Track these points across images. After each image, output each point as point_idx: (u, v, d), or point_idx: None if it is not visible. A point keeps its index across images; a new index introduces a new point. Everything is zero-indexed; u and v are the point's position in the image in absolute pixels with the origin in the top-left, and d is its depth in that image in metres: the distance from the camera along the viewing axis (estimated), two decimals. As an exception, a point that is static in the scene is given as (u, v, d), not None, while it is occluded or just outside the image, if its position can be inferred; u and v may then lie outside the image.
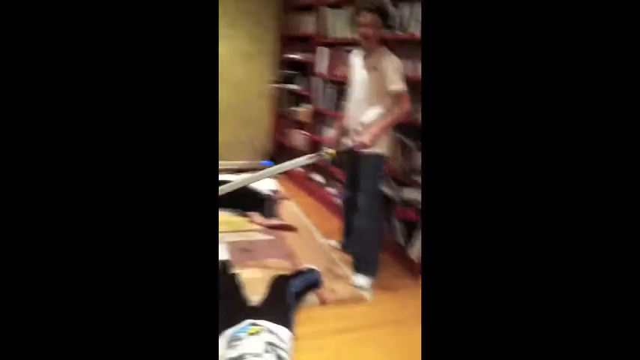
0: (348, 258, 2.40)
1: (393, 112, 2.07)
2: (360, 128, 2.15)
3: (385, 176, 2.67)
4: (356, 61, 2.21)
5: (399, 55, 2.10)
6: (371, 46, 2.08)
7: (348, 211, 2.37)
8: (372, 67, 2.08)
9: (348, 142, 2.27)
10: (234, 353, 1.39)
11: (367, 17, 1.99)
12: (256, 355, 1.38)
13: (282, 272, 2.11)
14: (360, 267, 2.25)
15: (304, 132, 3.75)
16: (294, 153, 4.05)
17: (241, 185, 2.30)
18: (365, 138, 2.05)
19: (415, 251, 2.38)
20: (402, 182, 2.53)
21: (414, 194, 2.37)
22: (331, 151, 2.18)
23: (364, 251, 2.24)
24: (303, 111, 3.76)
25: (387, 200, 2.60)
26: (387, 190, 2.58)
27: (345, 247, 2.49)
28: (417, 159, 2.40)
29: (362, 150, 2.10)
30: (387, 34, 2.10)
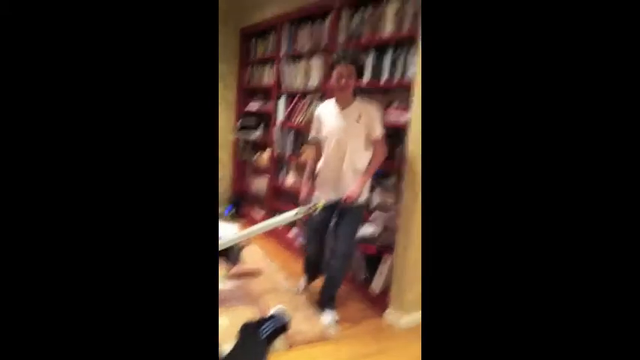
0: (312, 298, 2.43)
1: (375, 158, 2.19)
2: (347, 177, 2.20)
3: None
4: (327, 112, 2.26)
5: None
6: (347, 96, 2.17)
7: (316, 255, 2.43)
8: (355, 118, 2.15)
9: (325, 193, 2.28)
10: None
11: (345, 69, 2.08)
12: None
13: (250, 319, 2.10)
14: (325, 304, 2.31)
15: (266, 175, 3.84)
16: (255, 198, 4.10)
17: (234, 242, 2.31)
18: (354, 191, 2.13)
19: (376, 285, 2.45)
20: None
21: (372, 230, 2.47)
22: (320, 204, 2.19)
23: (332, 292, 2.32)
24: (262, 157, 3.87)
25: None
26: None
27: (309, 282, 2.56)
28: (374, 197, 2.54)
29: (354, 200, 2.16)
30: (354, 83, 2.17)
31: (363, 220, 2.33)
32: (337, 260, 2.25)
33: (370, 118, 2.15)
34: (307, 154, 2.31)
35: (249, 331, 1.92)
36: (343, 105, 2.20)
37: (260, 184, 3.95)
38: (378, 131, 2.16)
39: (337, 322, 2.25)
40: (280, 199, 3.69)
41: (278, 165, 3.65)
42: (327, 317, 2.26)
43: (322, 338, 2.14)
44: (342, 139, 2.19)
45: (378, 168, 2.26)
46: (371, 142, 2.19)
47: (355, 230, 2.28)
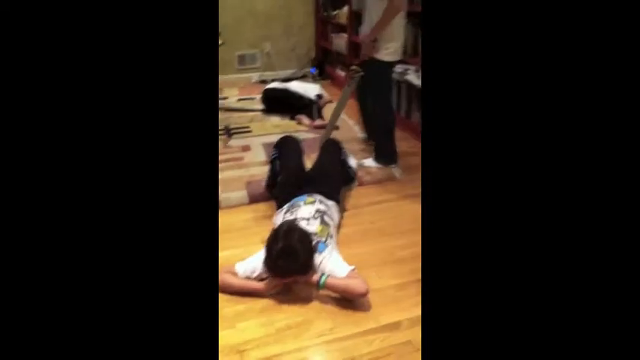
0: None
1: (385, 11, 2.14)
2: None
3: (417, 69, 2.81)
4: None
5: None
6: None
7: (364, 110, 2.67)
8: None
9: None
10: (291, 216, 1.76)
11: None
12: (306, 219, 1.72)
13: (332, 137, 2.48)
14: (377, 155, 2.56)
15: (345, 33, 3.84)
16: (337, 57, 4.19)
17: (332, 126, 2.70)
18: (363, 48, 2.27)
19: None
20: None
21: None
22: (354, 67, 2.38)
23: (379, 142, 2.55)
24: (341, 13, 3.82)
25: (418, 90, 2.77)
26: (417, 81, 2.73)
27: (368, 139, 2.80)
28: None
29: (370, 57, 2.26)
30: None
31: (384, 76, 2.36)
32: (375, 117, 2.47)
33: None
34: None
35: (329, 148, 2.28)
36: None
37: (341, 41, 3.99)
38: None
39: (399, 168, 2.52)
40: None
41: (355, 21, 3.60)
42: (369, 161, 2.54)
43: (389, 179, 2.45)
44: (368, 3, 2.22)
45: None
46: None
47: (382, 87, 2.36)
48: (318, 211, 1.77)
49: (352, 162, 2.49)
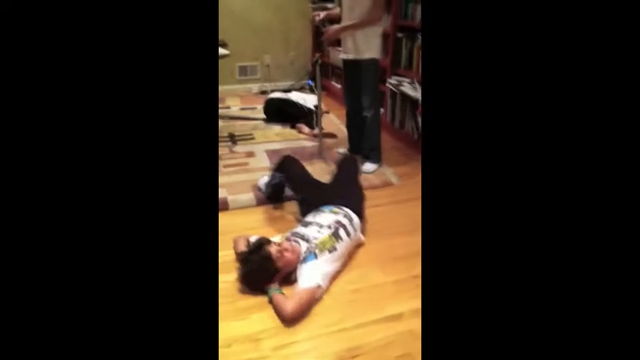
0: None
1: (363, 15, 2.37)
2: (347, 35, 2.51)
3: (411, 81, 2.98)
4: None
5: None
6: None
7: (352, 120, 2.78)
8: None
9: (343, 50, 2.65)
10: (312, 219, 1.82)
11: None
12: (319, 225, 1.76)
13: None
14: (369, 155, 2.71)
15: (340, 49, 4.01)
16: (333, 69, 4.36)
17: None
18: (327, 33, 2.53)
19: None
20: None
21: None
22: (317, 55, 2.78)
23: (372, 142, 2.68)
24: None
25: (412, 101, 2.93)
26: (412, 92, 2.90)
27: (353, 152, 2.83)
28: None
29: (358, 57, 2.49)
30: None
31: (377, 73, 2.57)
32: (372, 117, 2.58)
33: None
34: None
35: (347, 162, 2.36)
36: None
37: (337, 55, 4.15)
38: None
39: (395, 173, 2.66)
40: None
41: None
42: (368, 167, 2.67)
43: (386, 185, 2.59)
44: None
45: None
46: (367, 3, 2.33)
47: (370, 84, 2.54)
48: (337, 222, 1.78)
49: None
